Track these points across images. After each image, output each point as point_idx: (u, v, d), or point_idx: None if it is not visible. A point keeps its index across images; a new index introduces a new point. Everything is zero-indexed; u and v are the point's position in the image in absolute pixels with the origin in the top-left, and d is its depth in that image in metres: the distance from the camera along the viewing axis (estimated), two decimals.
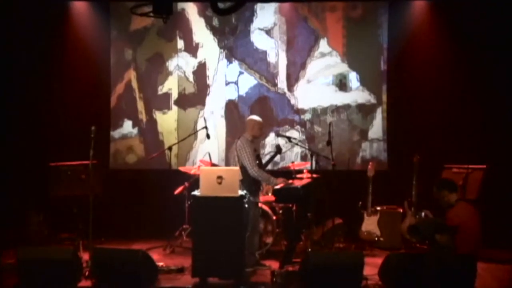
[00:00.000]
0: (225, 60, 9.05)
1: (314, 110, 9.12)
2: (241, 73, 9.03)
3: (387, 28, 9.16)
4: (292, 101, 9.08)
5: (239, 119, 9.00)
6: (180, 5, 9.01)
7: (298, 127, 9.13)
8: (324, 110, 9.11)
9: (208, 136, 8.06)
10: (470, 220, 6.39)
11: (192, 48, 9.12)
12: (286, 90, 9.08)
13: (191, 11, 9.07)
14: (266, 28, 8.99)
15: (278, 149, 7.77)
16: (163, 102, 9.20)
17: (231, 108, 9.14)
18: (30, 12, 8.77)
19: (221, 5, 7.06)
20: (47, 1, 8.85)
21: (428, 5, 9.06)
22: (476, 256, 6.15)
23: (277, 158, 8.52)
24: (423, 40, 9.13)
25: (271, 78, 9.02)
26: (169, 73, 9.18)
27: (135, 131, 9.30)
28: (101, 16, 9.29)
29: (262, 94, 9.07)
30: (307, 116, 9.13)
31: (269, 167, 8.04)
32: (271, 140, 9.12)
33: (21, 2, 8.75)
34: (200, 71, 9.13)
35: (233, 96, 9.09)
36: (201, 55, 9.11)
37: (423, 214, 7.64)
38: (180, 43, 9.10)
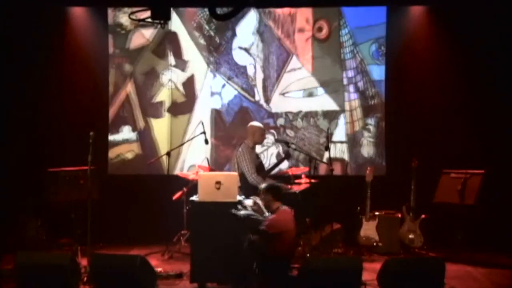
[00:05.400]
0: (210, 74, 9.59)
1: (286, 116, 9.48)
2: (224, 85, 9.57)
3: (385, 32, 9.17)
4: (268, 110, 9.52)
5: (223, 125, 9.51)
6: (173, 28, 9.37)
7: (272, 131, 9.52)
8: (295, 116, 9.45)
9: (206, 142, 8.17)
10: (289, 227, 6.44)
11: (182, 64, 9.57)
12: (262, 100, 9.53)
13: (182, 32, 9.51)
14: (245, 47, 9.56)
15: (287, 155, 7.74)
16: (157, 110, 9.53)
17: (216, 116, 9.57)
18: (28, 17, 8.78)
19: (219, 10, 7.09)
20: (46, 7, 8.85)
21: (426, 10, 9.07)
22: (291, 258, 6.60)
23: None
24: (421, 45, 9.12)
25: (250, 90, 9.55)
26: (162, 85, 9.54)
27: (131, 137, 9.48)
28: (99, 21, 9.32)
29: (242, 104, 9.55)
30: (280, 122, 9.56)
31: None
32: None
33: (20, 7, 8.75)
34: (189, 83, 9.57)
35: (218, 105, 9.59)
36: (190, 69, 9.59)
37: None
38: (171, 60, 9.56)
